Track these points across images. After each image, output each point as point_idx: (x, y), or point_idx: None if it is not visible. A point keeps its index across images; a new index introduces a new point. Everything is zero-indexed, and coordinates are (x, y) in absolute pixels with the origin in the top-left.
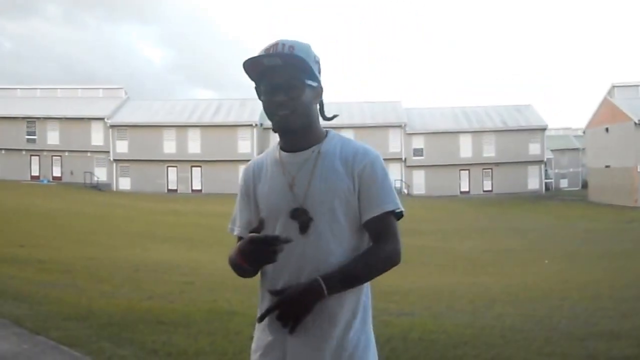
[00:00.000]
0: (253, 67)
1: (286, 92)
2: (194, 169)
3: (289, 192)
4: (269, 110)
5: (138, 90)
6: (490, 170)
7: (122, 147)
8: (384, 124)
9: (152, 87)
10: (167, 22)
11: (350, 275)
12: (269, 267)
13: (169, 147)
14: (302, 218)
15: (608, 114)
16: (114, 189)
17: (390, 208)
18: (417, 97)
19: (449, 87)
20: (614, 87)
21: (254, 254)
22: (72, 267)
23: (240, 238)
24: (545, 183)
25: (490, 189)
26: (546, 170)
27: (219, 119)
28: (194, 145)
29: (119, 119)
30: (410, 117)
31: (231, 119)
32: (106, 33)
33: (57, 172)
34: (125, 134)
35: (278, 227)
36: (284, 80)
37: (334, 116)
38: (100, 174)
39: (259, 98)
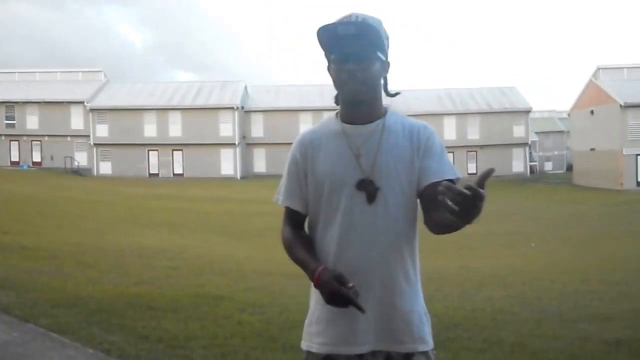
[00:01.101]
0: (326, 35)
1: (357, 62)
2: (175, 152)
3: (355, 164)
4: (338, 80)
5: (118, 73)
6: (474, 152)
7: (102, 131)
8: None
9: (132, 70)
10: (147, 2)
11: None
12: (333, 241)
13: (150, 130)
14: (369, 188)
15: (593, 96)
16: (95, 174)
17: (450, 176)
18: (400, 79)
19: (433, 69)
20: (599, 69)
21: (331, 295)
22: (57, 253)
23: (287, 209)
24: (530, 166)
25: (474, 171)
26: (530, 153)
27: (200, 102)
28: (175, 129)
29: (99, 102)
30: (393, 99)
31: (212, 102)
32: (86, 15)
33: (37, 157)
34: (106, 117)
35: (343, 198)
36: (356, 50)
37: (397, 93)
38: (81, 159)
39: (328, 68)
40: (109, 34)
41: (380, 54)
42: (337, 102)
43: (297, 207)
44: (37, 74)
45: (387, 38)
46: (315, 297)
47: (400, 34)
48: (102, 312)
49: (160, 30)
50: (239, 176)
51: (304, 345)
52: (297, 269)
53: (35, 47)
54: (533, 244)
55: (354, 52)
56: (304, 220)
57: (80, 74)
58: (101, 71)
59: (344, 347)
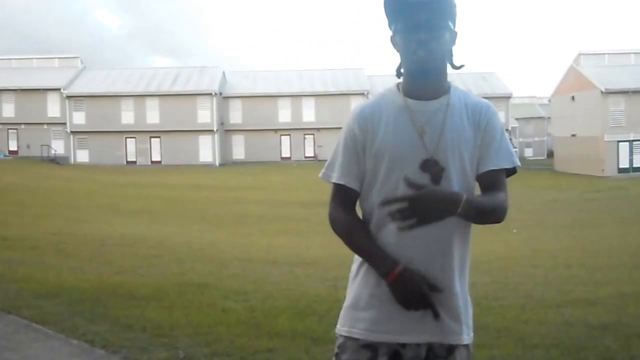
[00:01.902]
0: (394, 2)
1: (428, 31)
2: (153, 139)
3: (419, 142)
4: (406, 50)
5: (95, 58)
6: None
7: (79, 118)
8: (346, 91)
9: (109, 55)
10: None
11: (481, 207)
12: (390, 226)
13: (127, 117)
14: (434, 169)
15: (574, 82)
16: (72, 162)
17: (507, 165)
18: (380, 64)
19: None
20: (580, 55)
21: (412, 297)
22: (37, 243)
23: (341, 187)
24: None
25: None
26: (511, 139)
27: (178, 88)
28: (153, 115)
29: (76, 89)
30: (373, 84)
31: (190, 88)
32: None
33: (13, 145)
34: (82, 104)
35: (404, 176)
36: (428, 18)
37: (462, 65)
38: (58, 147)
39: (392, 39)
40: (85, 19)
41: (450, 23)
42: (398, 75)
43: (354, 185)
44: (12, 60)
45: (456, 6)
46: (360, 281)
47: (375, 16)
48: (85, 302)
49: (138, 15)
50: (217, 163)
51: (344, 330)
52: (278, 256)
53: (10, 33)
54: (515, 230)
55: (425, 20)
56: (356, 202)
57: (56, 60)
58: (78, 57)
59: (391, 336)
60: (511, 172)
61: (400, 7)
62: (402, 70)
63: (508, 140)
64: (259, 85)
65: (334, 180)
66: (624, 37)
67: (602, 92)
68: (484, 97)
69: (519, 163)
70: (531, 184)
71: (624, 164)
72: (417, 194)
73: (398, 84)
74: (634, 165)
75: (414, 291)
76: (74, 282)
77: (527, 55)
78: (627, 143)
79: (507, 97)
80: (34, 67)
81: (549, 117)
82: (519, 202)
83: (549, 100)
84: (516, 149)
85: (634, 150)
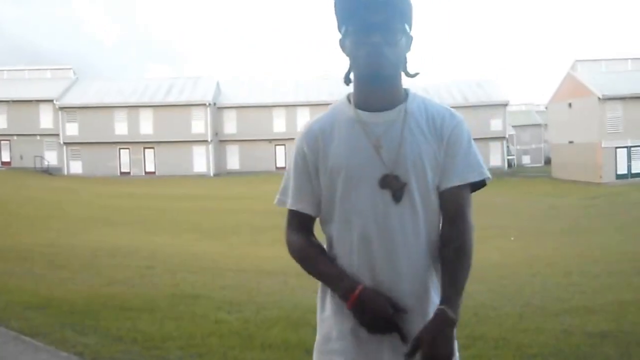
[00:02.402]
0: (345, 1)
1: (383, 34)
2: (146, 150)
3: (376, 157)
4: (356, 54)
5: (88, 69)
6: None
7: (72, 129)
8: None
9: (103, 65)
10: None
11: (462, 287)
12: (352, 249)
13: (121, 128)
14: (395, 185)
15: (571, 89)
16: (66, 173)
17: (475, 178)
18: None
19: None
20: (576, 61)
21: (376, 319)
22: (28, 254)
23: (295, 212)
24: (508, 159)
25: None
26: (508, 147)
27: (172, 99)
28: (146, 126)
29: (68, 100)
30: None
31: (184, 98)
32: (54, 10)
33: (6, 157)
34: (75, 115)
35: (362, 197)
36: (383, 20)
37: (417, 73)
38: (51, 158)
39: (341, 42)
40: (77, 29)
41: (407, 26)
42: (347, 82)
43: (308, 210)
44: (4, 72)
45: (412, 8)
46: (332, 307)
47: None
48: (75, 314)
49: (130, 24)
50: (212, 173)
51: None
52: (272, 266)
53: (2, 44)
54: (512, 238)
55: (379, 21)
56: (313, 225)
57: (49, 71)
58: (70, 68)
59: None
60: (479, 185)
61: (352, 7)
62: (351, 77)
63: (476, 150)
64: (254, 95)
65: (288, 207)
66: (620, 43)
67: (599, 98)
68: (482, 105)
69: (488, 175)
70: (529, 191)
71: (622, 170)
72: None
73: (349, 95)
74: (632, 172)
75: (376, 312)
76: (65, 294)
77: (524, 62)
78: (625, 149)
79: (504, 105)
80: (26, 79)
81: (546, 124)
82: (516, 210)
83: (546, 108)
84: (514, 156)
85: (632, 156)
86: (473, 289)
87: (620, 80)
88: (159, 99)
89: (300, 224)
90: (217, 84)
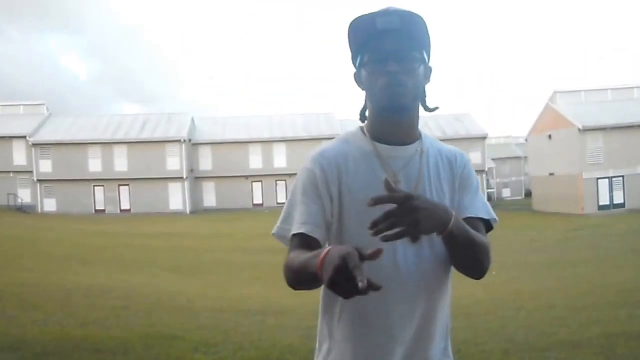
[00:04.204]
0: (360, 29)
1: (400, 62)
2: (121, 187)
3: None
4: (373, 85)
5: (61, 105)
6: None
7: (45, 166)
8: (317, 136)
9: (76, 102)
10: (90, 33)
11: (468, 231)
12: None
13: (95, 165)
14: None
15: (551, 120)
16: (40, 211)
17: (485, 216)
18: (351, 108)
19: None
20: (556, 93)
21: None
22: (1, 294)
23: (299, 239)
24: (488, 193)
25: None
26: (488, 180)
27: (146, 135)
28: (121, 163)
29: (42, 137)
30: (344, 128)
31: (158, 135)
32: (27, 43)
33: None
34: (49, 152)
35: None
36: (399, 48)
37: (437, 108)
38: (24, 196)
39: (356, 76)
40: (51, 65)
41: (425, 55)
42: (363, 118)
43: (316, 234)
44: None
45: (430, 37)
46: (326, 331)
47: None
48: (47, 356)
49: (105, 61)
50: (188, 211)
51: None
52: (250, 306)
53: None
54: (494, 272)
55: (396, 50)
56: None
57: (21, 107)
58: (44, 104)
59: None
60: (488, 228)
61: (366, 37)
62: (366, 114)
63: (483, 194)
64: (229, 132)
65: (294, 231)
66: (599, 74)
67: (579, 129)
68: (460, 139)
69: (496, 217)
70: (510, 225)
71: (604, 201)
72: (411, 194)
73: (362, 128)
74: (615, 202)
75: (333, 264)
76: (37, 335)
77: (503, 94)
78: (607, 180)
79: (483, 138)
80: None
81: (526, 157)
82: (498, 244)
83: (526, 140)
84: (494, 190)
85: (614, 187)
86: (455, 325)
87: (601, 110)
88: (133, 135)
89: (303, 247)
90: (192, 120)
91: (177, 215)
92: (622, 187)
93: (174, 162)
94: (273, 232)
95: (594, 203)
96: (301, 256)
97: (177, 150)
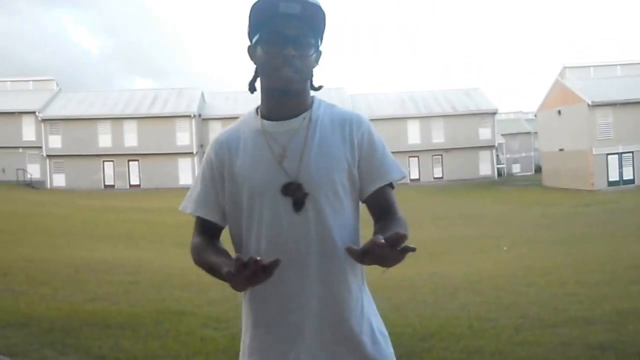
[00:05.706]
0: (261, 10)
1: (296, 47)
2: (131, 163)
3: (278, 167)
4: (268, 65)
5: (71, 81)
6: (440, 156)
7: (55, 142)
8: None
9: (87, 77)
10: (101, 8)
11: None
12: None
13: (105, 140)
14: (296, 194)
15: (560, 96)
16: (49, 186)
17: (396, 177)
18: (362, 83)
19: (395, 73)
20: (565, 68)
21: (242, 283)
22: (8, 270)
23: (199, 219)
24: (497, 168)
25: (440, 175)
26: (497, 156)
27: (156, 110)
28: (131, 138)
29: (51, 112)
30: (355, 103)
31: (168, 110)
32: (37, 20)
33: None
34: (58, 128)
35: (265, 207)
36: (297, 34)
37: (321, 86)
38: (34, 171)
39: (250, 50)
40: (61, 41)
41: (319, 41)
42: (252, 90)
43: (211, 216)
44: None
45: (326, 23)
46: (244, 320)
47: (362, 36)
48: (55, 332)
49: (115, 36)
50: None
51: None
52: None
53: None
54: (505, 248)
55: (295, 35)
56: (219, 234)
57: (31, 83)
58: (53, 80)
59: None
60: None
61: (268, 16)
62: (256, 86)
63: (388, 150)
64: (239, 106)
65: (189, 212)
66: (608, 48)
67: (588, 105)
68: (470, 114)
69: (405, 172)
70: (519, 200)
71: (614, 177)
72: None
73: (257, 107)
74: (624, 178)
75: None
76: (45, 311)
77: (512, 70)
78: (616, 155)
79: (493, 113)
80: (8, 90)
81: (535, 132)
82: (508, 219)
83: (535, 115)
84: (503, 165)
85: (624, 163)
86: (468, 300)
87: (610, 86)
88: (143, 110)
89: (203, 230)
90: (202, 95)
91: (186, 190)
92: (631, 163)
93: (184, 137)
94: (179, 207)
95: (604, 179)
96: (207, 253)
97: (187, 125)
